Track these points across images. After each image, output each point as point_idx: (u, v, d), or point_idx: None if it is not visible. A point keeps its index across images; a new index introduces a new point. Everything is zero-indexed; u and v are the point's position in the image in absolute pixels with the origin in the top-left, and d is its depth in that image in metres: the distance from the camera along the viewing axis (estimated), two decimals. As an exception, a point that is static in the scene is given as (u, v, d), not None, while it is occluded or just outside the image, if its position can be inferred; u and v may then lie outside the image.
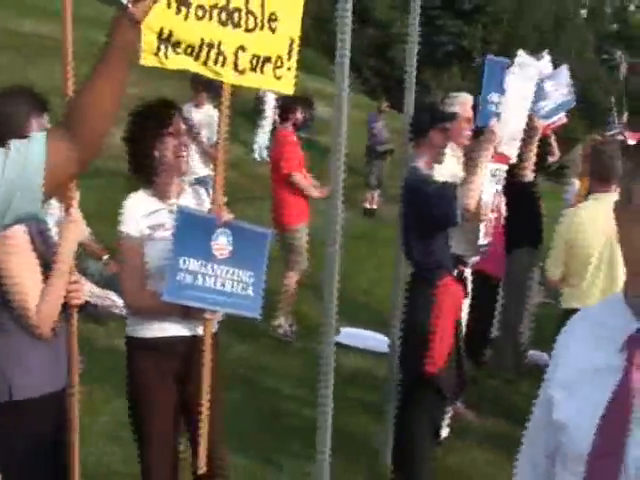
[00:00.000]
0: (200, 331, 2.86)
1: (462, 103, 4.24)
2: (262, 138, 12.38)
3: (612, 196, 3.76)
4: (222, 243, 2.79)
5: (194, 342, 2.88)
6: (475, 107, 4.11)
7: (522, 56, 4.19)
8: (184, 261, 2.72)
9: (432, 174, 3.70)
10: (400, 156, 4.13)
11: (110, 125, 1.72)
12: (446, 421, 4.21)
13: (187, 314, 2.83)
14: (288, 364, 5.60)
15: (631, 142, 6.20)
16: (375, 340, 5.73)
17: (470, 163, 3.73)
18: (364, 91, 22.14)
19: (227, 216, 2.81)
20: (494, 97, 3.87)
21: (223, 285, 2.79)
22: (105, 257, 5.83)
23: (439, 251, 3.64)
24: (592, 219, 3.90)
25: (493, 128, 3.70)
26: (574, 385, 1.41)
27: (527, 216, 5.13)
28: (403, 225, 3.80)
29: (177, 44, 2.61)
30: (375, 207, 11.65)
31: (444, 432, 4.18)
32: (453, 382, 3.72)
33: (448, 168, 3.93)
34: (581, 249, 3.93)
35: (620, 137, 6.14)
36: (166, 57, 2.60)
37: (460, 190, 3.47)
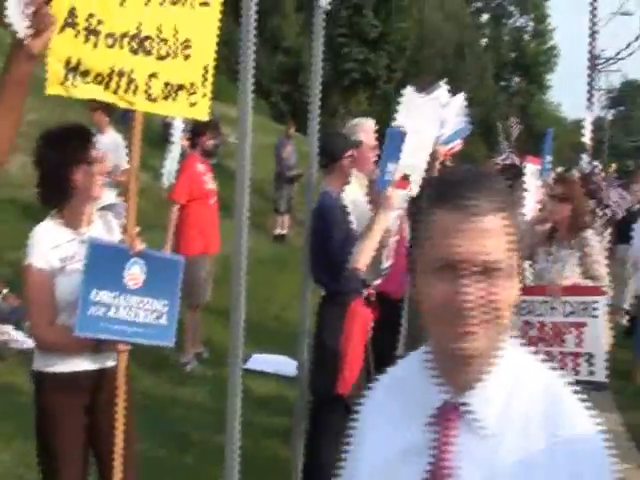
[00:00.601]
0: (109, 363, 2.81)
1: (366, 130, 4.33)
2: (170, 164, 12.25)
3: None
4: (135, 273, 2.74)
5: (103, 375, 2.82)
6: (380, 135, 4.21)
7: (409, 93, 4.29)
8: (96, 293, 2.65)
9: (342, 203, 3.79)
10: (307, 181, 4.19)
11: (7, 155, 1.70)
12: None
13: (99, 348, 2.76)
14: (197, 393, 5.54)
15: (530, 166, 6.53)
16: (285, 364, 5.75)
17: (367, 226, 3.78)
18: (273, 116, 22.30)
19: (140, 245, 2.77)
20: (391, 166, 3.89)
21: (137, 315, 2.75)
22: (5, 291, 5.61)
23: (348, 275, 3.72)
24: None
25: (389, 196, 3.75)
26: (381, 474, 1.20)
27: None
28: (311, 249, 3.85)
29: (86, 73, 2.55)
30: (285, 232, 11.67)
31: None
32: (363, 402, 3.78)
33: (352, 193, 4.01)
34: None
35: (509, 161, 6.48)
36: (74, 86, 2.53)
37: (356, 247, 3.59)
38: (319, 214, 3.77)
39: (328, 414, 3.72)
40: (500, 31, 43.82)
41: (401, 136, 3.96)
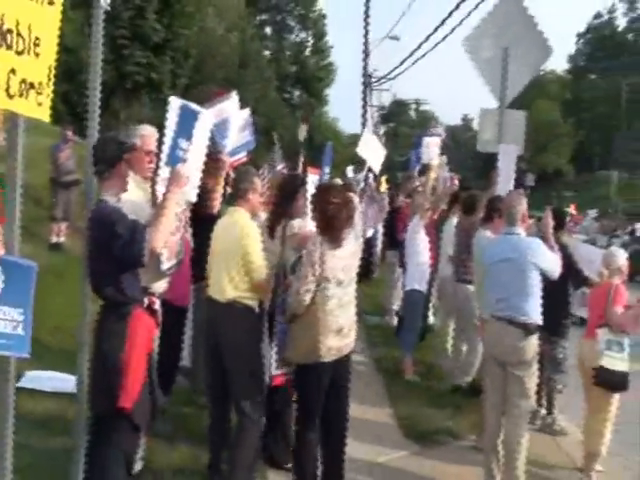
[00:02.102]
0: None
1: (143, 135, 4.30)
2: None
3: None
4: None
5: None
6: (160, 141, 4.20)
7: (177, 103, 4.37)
8: None
9: (120, 207, 3.69)
10: (87, 186, 4.02)
11: None
12: (140, 454, 4.17)
13: None
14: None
15: (311, 176, 6.88)
16: (63, 381, 5.44)
17: (158, 205, 3.76)
18: (52, 117, 20.94)
19: (1, 250, 2.67)
20: (183, 143, 4.01)
21: None
22: None
23: (129, 284, 3.63)
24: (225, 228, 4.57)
25: (179, 171, 3.79)
26: None
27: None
28: (90, 258, 3.72)
29: None
30: (62, 240, 11.04)
31: (138, 465, 4.14)
32: (147, 413, 3.73)
33: (130, 193, 3.91)
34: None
35: (276, 168, 6.92)
36: None
37: (149, 231, 3.51)
38: (97, 221, 3.63)
39: (111, 429, 3.61)
40: (282, 45, 45.24)
41: (194, 114, 4.08)
